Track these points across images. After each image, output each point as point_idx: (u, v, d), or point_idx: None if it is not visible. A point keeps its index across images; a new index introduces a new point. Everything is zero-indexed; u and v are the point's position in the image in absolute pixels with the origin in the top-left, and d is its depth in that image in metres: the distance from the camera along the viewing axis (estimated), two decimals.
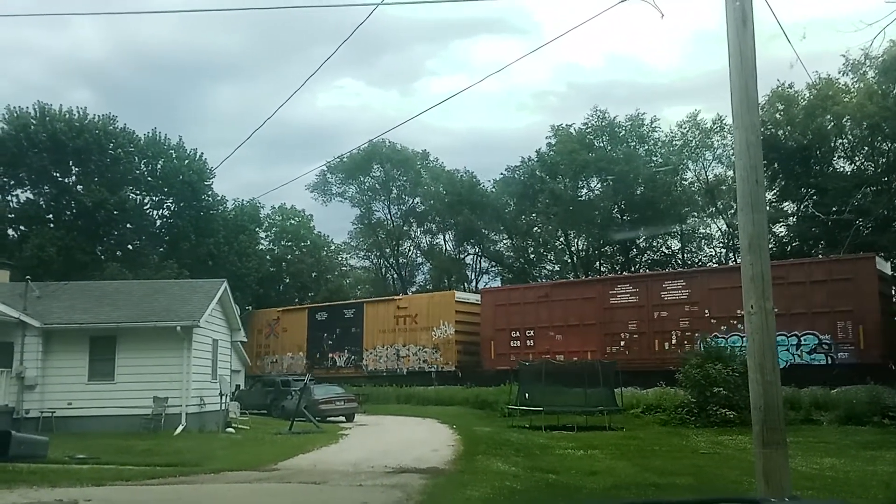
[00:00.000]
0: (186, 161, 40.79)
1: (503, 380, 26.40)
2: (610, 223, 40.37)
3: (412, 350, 33.07)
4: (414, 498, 9.20)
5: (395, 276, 51.92)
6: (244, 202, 46.40)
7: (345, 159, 47.16)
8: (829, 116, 31.61)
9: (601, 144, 41.75)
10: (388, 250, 51.76)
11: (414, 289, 48.94)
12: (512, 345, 28.70)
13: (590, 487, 10.40)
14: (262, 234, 50.99)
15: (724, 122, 36.60)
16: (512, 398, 22.49)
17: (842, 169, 33.76)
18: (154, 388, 19.60)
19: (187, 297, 21.88)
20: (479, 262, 50.56)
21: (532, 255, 47.48)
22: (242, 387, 29.49)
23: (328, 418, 24.34)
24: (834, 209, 29.89)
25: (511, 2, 66.80)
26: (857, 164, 33.74)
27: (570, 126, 42.37)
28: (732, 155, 18.85)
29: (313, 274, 49.66)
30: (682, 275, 27.76)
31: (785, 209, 35.22)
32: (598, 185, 42.16)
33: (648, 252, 43.05)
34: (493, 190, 46.64)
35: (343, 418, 25.41)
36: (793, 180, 33.31)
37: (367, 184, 51.09)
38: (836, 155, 34.17)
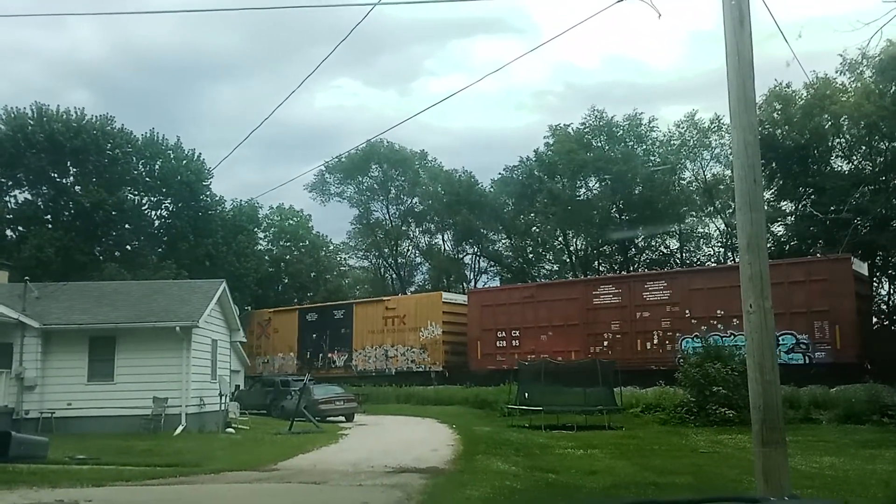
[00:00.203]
0: (185, 161, 40.77)
1: (491, 380, 27.25)
2: (608, 223, 40.38)
3: (400, 350, 33.47)
4: (414, 498, 9.21)
5: (394, 276, 51.94)
6: (242, 202, 46.46)
7: (343, 159, 47.21)
8: (826, 116, 31.59)
9: (599, 144, 41.75)
10: (386, 250, 51.79)
11: (413, 288, 48.97)
12: (498, 345, 29.23)
13: (589, 487, 10.41)
14: (261, 235, 51.00)
15: (721, 121, 36.64)
16: (511, 398, 22.52)
17: (839, 168, 33.77)
18: (153, 388, 19.60)
19: (186, 298, 21.89)
20: (478, 261, 50.65)
21: (531, 255, 47.49)
22: (242, 387, 29.49)
23: (328, 418, 24.35)
24: (832, 208, 29.89)
25: (509, 2, 66.81)
26: (855, 163, 33.74)
27: (569, 126, 42.41)
28: (730, 154, 18.87)
29: (312, 274, 49.68)
30: (663, 276, 28.45)
31: (783, 208, 35.22)
32: (597, 185, 42.18)
33: (647, 251, 43.07)
34: (492, 190, 46.66)
35: (343, 418, 25.43)
36: (791, 179, 33.31)
37: (365, 184, 51.09)
38: (834, 154, 34.17)
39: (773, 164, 32.27)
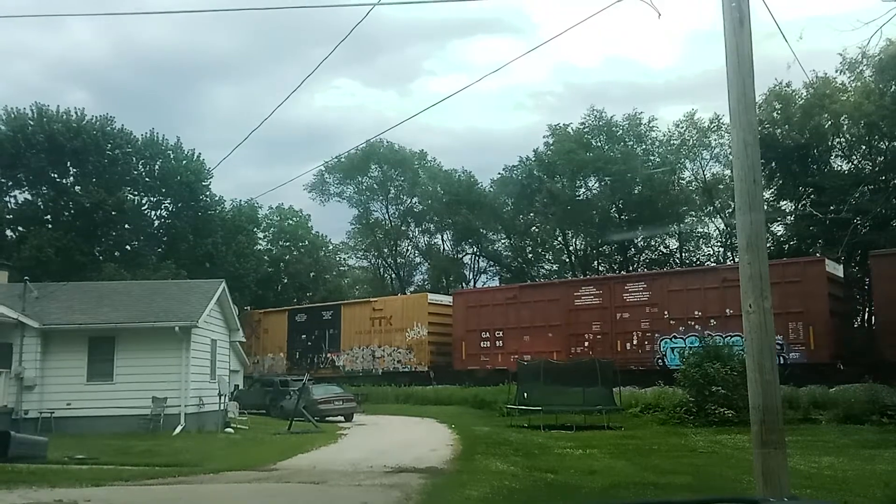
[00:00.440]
0: (184, 161, 40.73)
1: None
2: (608, 222, 40.39)
3: (387, 351, 33.73)
4: (413, 498, 9.21)
5: (394, 275, 51.94)
6: (242, 202, 46.37)
7: (342, 159, 47.23)
8: (826, 115, 31.59)
9: (599, 144, 41.75)
10: (386, 250, 51.80)
11: (412, 288, 48.94)
12: (482, 345, 29.48)
13: (589, 487, 10.41)
14: (261, 235, 50.90)
15: (721, 121, 36.63)
16: (510, 398, 22.52)
17: (839, 168, 33.79)
18: (153, 388, 19.59)
19: (186, 298, 21.89)
20: (478, 261, 50.63)
21: (530, 255, 47.49)
22: (241, 387, 29.48)
23: (327, 418, 24.35)
24: (832, 208, 29.91)
25: (509, 2, 66.87)
26: (855, 162, 33.76)
27: (568, 126, 42.43)
28: (730, 154, 18.88)
29: (311, 274, 49.65)
30: (643, 277, 28.75)
31: (783, 208, 35.23)
32: (596, 185, 42.22)
33: (647, 251, 43.08)
34: (491, 190, 46.67)
35: (342, 418, 25.43)
36: (790, 179, 33.31)
37: (364, 184, 51.10)
38: (834, 154, 34.19)
39: (773, 164, 32.28)
